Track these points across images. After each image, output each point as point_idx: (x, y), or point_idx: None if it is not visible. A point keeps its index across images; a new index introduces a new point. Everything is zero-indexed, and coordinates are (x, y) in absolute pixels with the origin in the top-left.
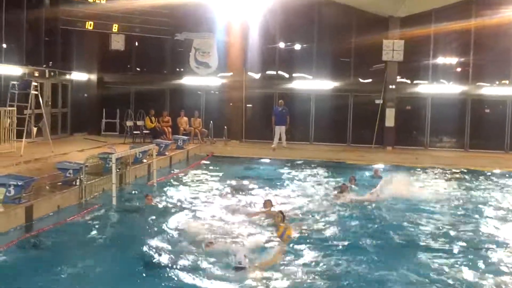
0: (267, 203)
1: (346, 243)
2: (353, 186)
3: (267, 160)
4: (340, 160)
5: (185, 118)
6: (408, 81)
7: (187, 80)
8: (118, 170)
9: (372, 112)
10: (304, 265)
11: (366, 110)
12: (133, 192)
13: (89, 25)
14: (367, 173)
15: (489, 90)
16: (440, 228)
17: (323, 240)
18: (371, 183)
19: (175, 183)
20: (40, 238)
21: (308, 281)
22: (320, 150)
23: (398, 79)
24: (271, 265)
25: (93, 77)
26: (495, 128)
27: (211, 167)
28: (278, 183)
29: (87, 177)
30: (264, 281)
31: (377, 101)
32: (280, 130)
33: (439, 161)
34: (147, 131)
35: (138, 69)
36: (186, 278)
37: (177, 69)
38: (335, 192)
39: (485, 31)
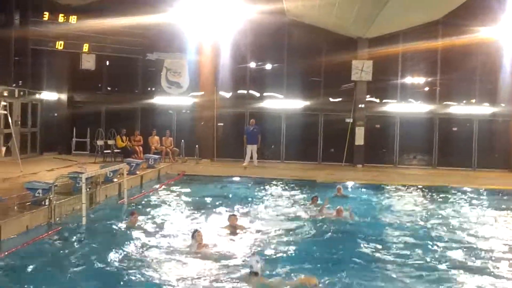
0: (232, 218)
1: (319, 257)
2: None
3: (239, 179)
4: (311, 178)
5: (157, 137)
6: (377, 100)
7: (158, 100)
8: (88, 190)
9: (342, 130)
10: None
11: (336, 129)
12: (104, 211)
13: (59, 45)
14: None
15: (456, 108)
16: (408, 242)
17: (295, 255)
18: (334, 201)
19: (147, 202)
20: (7, 259)
21: None
22: (291, 168)
23: (367, 98)
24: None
25: (64, 96)
26: (463, 146)
27: (182, 186)
28: (249, 201)
29: (57, 196)
30: None
31: (347, 120)
32: (251, 149)
33: (407, 179)
34: (118, 150)
35: (109, 88)
36: None
37: (149, 89)
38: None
39: (451, 51)
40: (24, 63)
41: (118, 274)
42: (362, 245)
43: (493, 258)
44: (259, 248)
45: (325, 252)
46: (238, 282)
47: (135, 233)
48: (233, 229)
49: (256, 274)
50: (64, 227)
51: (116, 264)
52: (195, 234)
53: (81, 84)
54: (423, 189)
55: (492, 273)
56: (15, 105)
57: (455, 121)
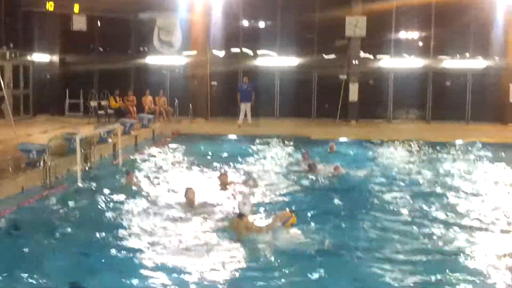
0: (223, 177)
1: (312, 211)
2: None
3: (233, 137)
4: (305, 135)
5: (150, 97)
6: (371, 56)
7: (151, 59)
8: (82, 151)
9: (336, 87)
10: None
11: (330, 85)
12: (99, 171)
13: (50, 6)
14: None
15: (450, 63)
16: (404, 197)
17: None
18: (327, 158)
19: (141, 161)
20: (3, 220)
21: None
22: (285, 125)
23: (361, 54)
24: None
25: (55, 58)
26: (456, 100)
27: (177, 145)
28: (244, 159)
29: (51, 158)
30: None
31: (341, 77)
32: (245, 107)
33: (401, 134)
34: (112, 111)
35: (101, 49)
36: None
37: (141, 49)
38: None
39: (445, 5)
40: (14, 25)
41: (114, 233)
42: (355, 200)
43: (486, 212)
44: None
45: (318, 207)
46: (224, 226)
47: (130, 193)
48: (224, 186)
49: (242, 216)
50: (59, 188)
51: (112, 223)
52: (187, 192)
53: (73, 45)
54: (417, 143)
55: (487, 226)
56: (6, 67)
57: (449, 75)
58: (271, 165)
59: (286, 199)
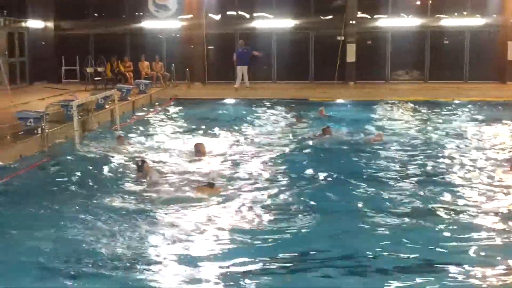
0: (200, 146)
1: (304, 173)
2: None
3: (231, 101)
4: (303, 97)
5: (146, 63)
6: (368, 16)
7: (146, 24)
8: (80, 117)
9: (334, 48)
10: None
11: (327, 47)
12: (97, 138)
13: None
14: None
15: (448, 21)
16: (407, 157)
17: (294, 174)
18: (318, 123)
19: (140, 127)
20: (2, 186)
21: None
22: (283, 88)
23: (359, 14)
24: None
25: (50, 24)
26: (454, 59)
27: (175, 110)
28: (243, 123)
29: (49, 125)
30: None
31: (338, 38)
32: (242, 70)
33: (399, 94)
34: (109, 77)
35: (95, 14)
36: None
37: (136, 13)
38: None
39: None
40: None
41: (111, 199)
42: (351, 161)
43: (485, 169)
44: (246, 166)
45: (311, 168)
46: (195, 195)
47: (127, 157)
48: (202, 154)
49: (211, 184)
50: (57, 154)
51: (109, 189)
52: (143, 165)
53: (67, 11)
54: (415, 103)
55: (481, 182)
56: (1, 34)
57: (447, 33)
58: (268, 127)
59: (281, 164)
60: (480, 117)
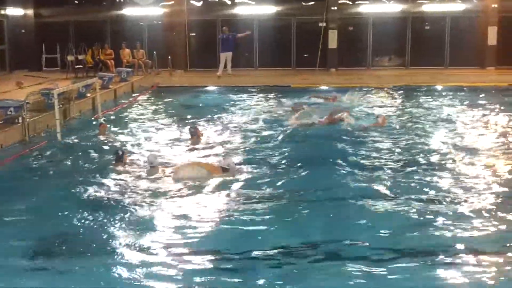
0: (197, 132)
1: (291, 158)
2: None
3: (214, 88)
4: (285, 84)
5: (128, 50)
6: (350, 2)
7: (127, 11)
8: (61, 106)
9: (315, 35)
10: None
11: (309, 33)
12: (78, 126)
13: None
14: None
15: (429, 6)
16: (389, 142)
17: (274, 161)
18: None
19: (122, 115)
20: None
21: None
22: (265, 75)
23: (340, 0)
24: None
25: (30, 12)
26: (435, 45)
27: (157, 98)
28: (224, 110)
29: (30, 114)
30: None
31: (320, 24)
32: (226, 57)
33: (381, 81)
34: (90, 65)
35: (76, 1)
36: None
37: (117, 0)
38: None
39: None
40: None
41: (92, 188)
42: (336, 147)
43: (468, 153)
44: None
45: (298, 154)
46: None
47: (110, 146)
48: (197, 140)
49: (155, 167)
50: (39, 144)
51: (91, 179)
52: (123, 156)
53: None
54: (397, 89)
55: (464, 166)
56: None
57: (428, 19)
58: (251, 114)
59: (266, 150)
60: (461, 102)
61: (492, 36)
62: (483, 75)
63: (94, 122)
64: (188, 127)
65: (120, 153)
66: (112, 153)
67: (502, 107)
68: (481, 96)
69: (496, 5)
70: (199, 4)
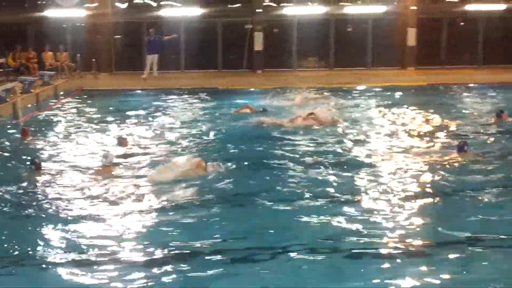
0: (123, 141)
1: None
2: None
3: (139, 91)
4: (212, 86)
5: (50, 53)
6: (275, 4)
7: (50, 13)
8: None
9: (242, 37)
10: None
11: (235, 35)
12: None
13: None
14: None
15: (351, 9)
16: (312, 140)
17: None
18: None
19: (44, 120)
20: None
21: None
22: (192, 77)
23: (265, 2)
24: None
25: None
26: (358, 46)
27: (81, 101)
28: (150, 114)
29: None
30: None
31: (246, 26)
32: (152, 59)
33: (306, 82)
34: (11, 69)
35: None
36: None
37: (39, 2)
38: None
39: None
40: None
41: (10, 195)
42: (267, 146)
43: (387, 151)
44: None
45: (232, 154)
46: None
47: (31, 152)
48: (124, 146)
49: (108, 166)
50: None
51: (11, 186)
52: (40, 163)
53: None
54: (322, 90)
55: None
56: None
57: (351, 21)
58: (179, 117)
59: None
60: (382, 101)
61: (411, 37)
62: (404, 75)
63: (13, 129)
64: (115, 134)
65: (37, 160)
66: (30, 161)
67: (421, 106)
68: (400, 95)
69: (415, 7)
70: (124, 6)
